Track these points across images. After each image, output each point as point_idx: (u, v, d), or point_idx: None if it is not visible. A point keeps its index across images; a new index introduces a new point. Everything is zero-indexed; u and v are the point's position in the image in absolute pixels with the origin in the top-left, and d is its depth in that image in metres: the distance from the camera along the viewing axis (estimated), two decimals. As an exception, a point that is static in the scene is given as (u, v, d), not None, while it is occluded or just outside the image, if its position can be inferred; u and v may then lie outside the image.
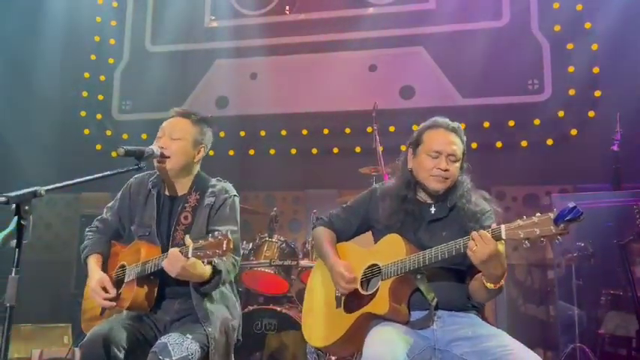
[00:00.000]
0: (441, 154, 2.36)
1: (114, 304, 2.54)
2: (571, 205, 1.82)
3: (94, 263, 2.69)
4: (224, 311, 2.57)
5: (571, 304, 4.24)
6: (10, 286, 1.70)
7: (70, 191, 6.03)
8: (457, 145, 2.39)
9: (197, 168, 2.71)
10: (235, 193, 2.68)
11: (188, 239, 2.25)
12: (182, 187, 2.66)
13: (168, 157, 2.57)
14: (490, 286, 2.12)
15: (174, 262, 2.30)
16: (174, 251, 2.30)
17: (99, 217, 2.84)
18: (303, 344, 3.68)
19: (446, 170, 2.35)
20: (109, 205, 2.83)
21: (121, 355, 2.34)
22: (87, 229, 2.84)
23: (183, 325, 2.47)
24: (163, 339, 2.34)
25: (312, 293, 2.64)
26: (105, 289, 2.55)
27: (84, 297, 2.81)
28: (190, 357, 2.29)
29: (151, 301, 2.52)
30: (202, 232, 2.55)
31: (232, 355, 2.58)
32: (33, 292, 4.65)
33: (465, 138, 2.46)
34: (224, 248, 2.15)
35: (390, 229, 2.40)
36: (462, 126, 2.48)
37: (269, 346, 3.80)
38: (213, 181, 2.70)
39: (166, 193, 2.69)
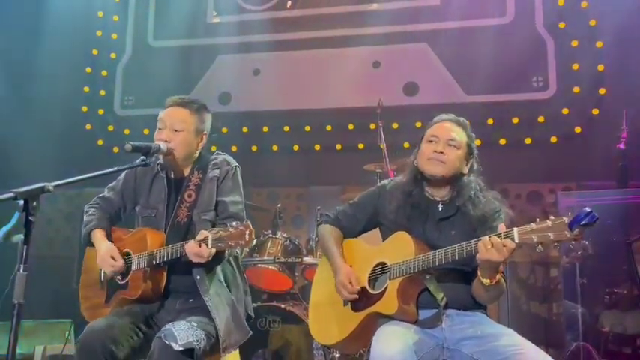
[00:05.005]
0: (438, 138, 2.35)
1: (121, 270, 2.52)
2: (587, 209, 1.80)
3: (100, 235, 2.66)
4: (228, 296, 2.55)
5: (575, 303, 4.23)
6: (18, 283, 1.68)
7: (71, 187, 5.99)
8: (457, 133, 2.36)
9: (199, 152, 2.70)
10: (236, 164, 2.68)
11: (204, 232, 2.23)
12: (186, 169, 2.66)
13: (172, 149, 2.56)
14: (486, 281, 2.11)
15: (193, 256, 2.27)
16: (193, 245, 2.26)
17: (100, 195, 2.81)
18: (307, 341, 3.67)
19: (441, 153, 2.32)
20: (111, 185, 2.81)
21: (120, 353, 2.31)
22: (87, 206, 2.79)
23: (188, 316, 2.43)
24: (168, 325, 2.31)
25: (319, 290, 2.63)
26: (113, 259, 2.54)
27: (81, 285, 2.78)
28: (196, 343, 2.26)
29: (160, 289, 2.51)
30: (210, 206, 2.55)
31: (246, 326, 2.57)
32: (34, 288, 4.61)
33: (472, 135, 2.43)
34: (246, 239, 2.13)
35: (397, 225, 2.38)
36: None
37: (273, 343, 3.78)
38: (213, 155, 2.70)
39: (172, 176, 2.68)
